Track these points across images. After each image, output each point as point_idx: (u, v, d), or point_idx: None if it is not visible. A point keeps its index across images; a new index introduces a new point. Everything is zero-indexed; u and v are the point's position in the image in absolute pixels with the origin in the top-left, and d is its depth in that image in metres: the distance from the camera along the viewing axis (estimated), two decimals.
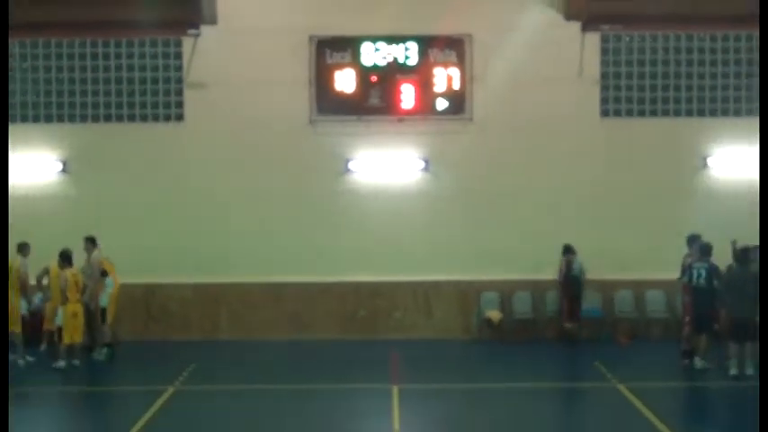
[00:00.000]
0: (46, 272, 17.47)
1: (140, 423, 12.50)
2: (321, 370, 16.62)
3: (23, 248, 17.06)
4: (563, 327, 18.80)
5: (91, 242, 17.35)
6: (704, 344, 15.84)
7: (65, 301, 16.71)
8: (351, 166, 19.52)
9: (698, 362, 15.80)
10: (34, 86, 19.42)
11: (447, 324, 19.52)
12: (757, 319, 14.76)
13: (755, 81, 19.00)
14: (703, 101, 19.27)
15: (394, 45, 18.98)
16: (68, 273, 16.80)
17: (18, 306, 16.81)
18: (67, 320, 16.68)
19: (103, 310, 17.54)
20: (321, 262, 19.31)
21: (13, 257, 16.67)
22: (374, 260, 19.30)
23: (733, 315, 15.49)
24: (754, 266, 15.65)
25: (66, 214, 18.92)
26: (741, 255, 15.88)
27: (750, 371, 15.23)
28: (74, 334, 16.55)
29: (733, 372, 15.11)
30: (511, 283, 19.32)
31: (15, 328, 16.39)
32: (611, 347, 17.98)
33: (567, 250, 18.66)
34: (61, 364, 16.33)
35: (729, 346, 15.60)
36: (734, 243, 16.38)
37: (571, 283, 18.70)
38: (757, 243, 15.35)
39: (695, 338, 15.96)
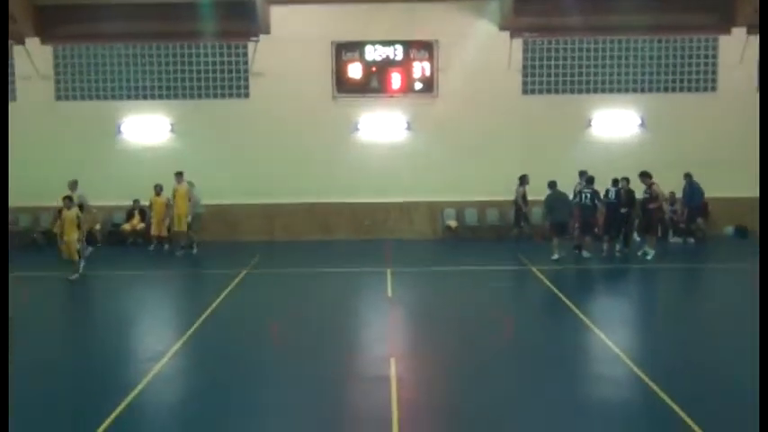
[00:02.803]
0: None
1: (227, 290, 14.78)
2: (341, 259, 18.84)
3: (179, 176, 19.25)
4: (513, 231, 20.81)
5: (179, 175, 19.39)
6: (587, 242, 18.41)
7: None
8: (359, 126, 21.88)
9: (584, 253, 18.30)
10: (156, 76, 21.74)
11: (422, 229, 22.09)
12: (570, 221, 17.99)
13: (623, 70, 21.65)
14: (589, 83, 21.74)
15: (387, 47, 21.36)
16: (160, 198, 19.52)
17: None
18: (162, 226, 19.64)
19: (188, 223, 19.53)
20: (340, 188, 21.52)
21: (175, 187, 19.17)
22: (375, 188, 21.63)
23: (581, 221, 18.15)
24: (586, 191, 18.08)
25: (174, 159, 21.08)
26: (588, 180, 18.40)
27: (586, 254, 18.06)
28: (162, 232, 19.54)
29: (559, 256, 17.68)
30: (463, 203, 21.86)
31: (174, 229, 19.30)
32: (527, 244, 19.97)
33: (522, 180, 20.24)
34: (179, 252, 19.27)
35: (584, 240, 18.29)
36: (582, 174, 18.80)
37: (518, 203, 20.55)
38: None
39: (582, 238, 18.43)
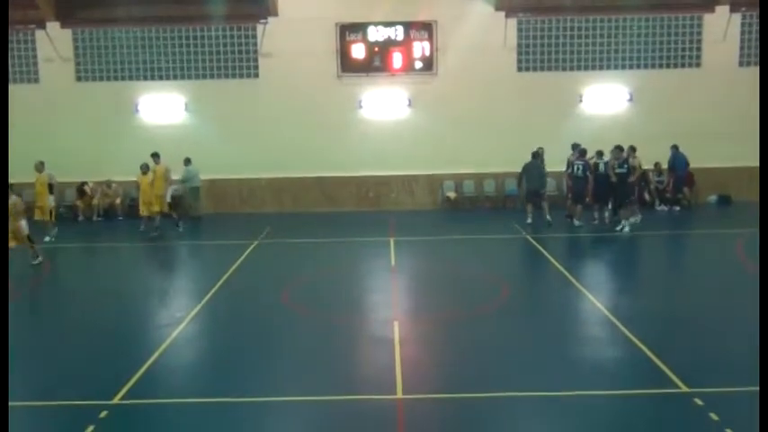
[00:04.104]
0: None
1: (240, 259, 15.05)
2: (346, 229, 19.01)
3: (156, 157, 18.48)
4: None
5: (156, 156, 18.52)
6: (579, 211, 18.39)
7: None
8: (362, 104, 21.87)
9: (576, 222, 18.35)
10: (171, 57, 21.75)
11: (422, 200, 22.17)
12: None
13: (612, 47, 21.62)
14: (580, 60, 21.69)
15: (388, 28, 21.31)
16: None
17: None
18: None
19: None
20: (345, 162, 21.67)
21: (153, 168, 18.29)
22: (378, 161, 21.74)
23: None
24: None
25: (187, 136, 21.58)
26: (580, 153, 18.23)
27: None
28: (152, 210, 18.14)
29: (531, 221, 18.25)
30: (462, 174, 21.98)
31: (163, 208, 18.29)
32: (521, 214, 19.35)
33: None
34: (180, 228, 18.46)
35: (575, 210, 18.28)
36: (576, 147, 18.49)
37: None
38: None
39: (573, 207, 18.50)
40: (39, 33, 21.63)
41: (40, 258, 14.89)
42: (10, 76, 21.55)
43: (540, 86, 21.58)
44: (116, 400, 7.82)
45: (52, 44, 21.52)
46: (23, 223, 14.58)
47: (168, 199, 18.79)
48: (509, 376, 8.45)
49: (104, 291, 13.47)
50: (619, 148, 17.90)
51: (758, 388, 5.85)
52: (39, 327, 11.11)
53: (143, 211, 18.48)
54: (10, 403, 7.64)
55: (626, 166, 17.80)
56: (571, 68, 21.81)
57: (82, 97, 21.81)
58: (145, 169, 18.21)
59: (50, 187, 17.24)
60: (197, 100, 21.96)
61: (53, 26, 21.46)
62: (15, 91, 21.42)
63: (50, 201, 17.35)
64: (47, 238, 17.19)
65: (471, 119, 21.58)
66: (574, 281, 12.80)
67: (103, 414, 7.47)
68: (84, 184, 21.30)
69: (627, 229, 17.47)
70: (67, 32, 21.74)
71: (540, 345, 9.60)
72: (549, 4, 21.26)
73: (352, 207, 22.04)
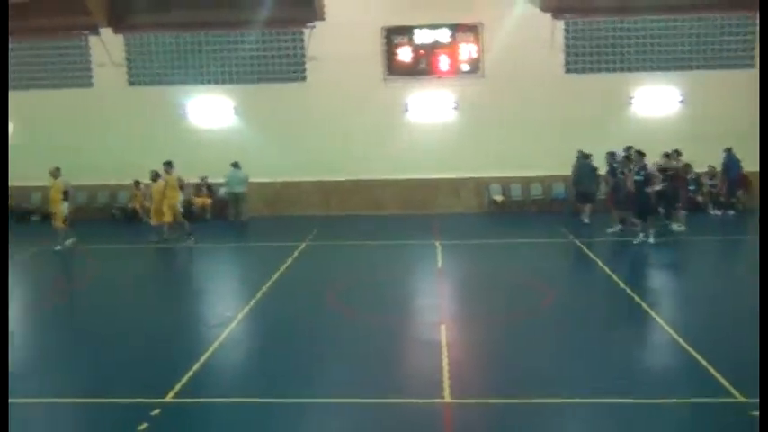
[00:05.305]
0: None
1: (290, 260, 15.41)
2: (392, 232, 19.09)
3: (168, 166, 17.65)
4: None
5: (168, 165, 17.71)
6: (615, 215, 17.75)
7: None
8: (408, 107, 21.79)
9: (635, 229, 16.77)
10: (219, 62, 21.97)
11: (469, 203, 22.01)
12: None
13: (663, 48, 21.17)
14: (630, 61, 21.24)
15: (434, 30, 21.21)
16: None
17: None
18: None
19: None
20: (391, 166, 21.61)
21: (164, 177, 17.66)
22: (424, 165, 21.60)
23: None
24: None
25: (235, 140, 21.89)
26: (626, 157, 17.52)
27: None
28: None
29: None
30: (508, 178, 21.83)
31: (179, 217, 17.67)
32: (570, 218, 19.53)
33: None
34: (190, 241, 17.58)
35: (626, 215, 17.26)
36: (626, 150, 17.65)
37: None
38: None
39: (622, 213, 17.60)
40: (92, 39, 22.14)
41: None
42: (65, 80, 22.27)
43: (589, 88, 21.20)
44: (168, 399, 8.01)
45: (105, 49, 21.97)
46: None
47: (181, 208, 18.24)
48: (559, 382, 8.37)
49: (155, 291, 13.84)
50: (639, 154, 16.73)
51: None
52: (91, 325, 11.39)
53: (154, 219, 18.07)
54: (67, 399, 7.93)
55: (643, 173, 16.37)
56: (621, 70, 21.42)
57: (133, 101, 22.21)
58: (155, 177, 17.91)
59: (65, 194, 17.24)
60: (245, 104, 22.20)
61: (106, 32, 21.89)
62: (70, 95, 22.15)
63: (64, 208, 17.28)
64: (57, 247, 17.14)
65: (518, 121, 21.40)
66: (623, 286, 12.66)
67: (156, 412, 7.65)
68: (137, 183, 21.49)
69: (651, 240, 16.35)
70: (119, 38, 22.18)
71: (589, 350, 9.49)
72: (596, 5, 20.92)
73: (398, 210, 22.01)
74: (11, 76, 21.75)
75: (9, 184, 20.76)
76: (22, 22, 21.13)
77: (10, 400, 7.73)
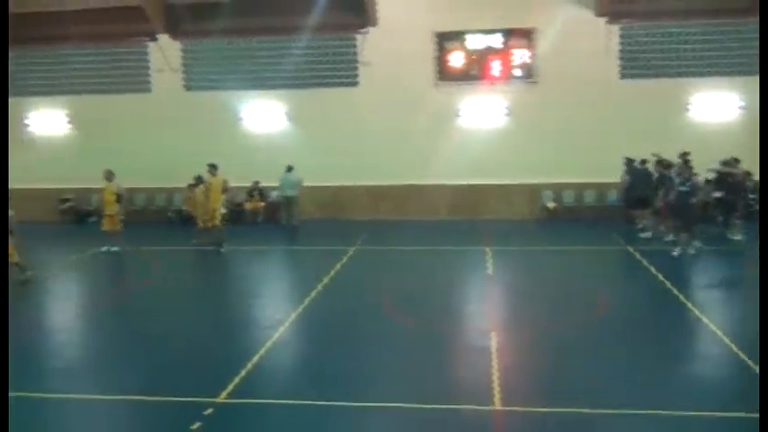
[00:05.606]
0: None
1: (340, 263, 15.56)
2: (443, 237, 19.02)
3: (213, 168, 17.42)
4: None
5: (213, 167, 17.45)
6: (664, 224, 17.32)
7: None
8: (460, 112, 21.73)
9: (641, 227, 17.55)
10: (273, 67, 22.07)
11: (520, 210, 21.77)
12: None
13: (722, 53, 20.69)
14: (686, 67, 20.79)
15: (487, 35, 21.14)
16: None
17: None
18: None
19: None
20: (442, 171, 21.43)
21: (209, 180, 17.49)
22: (475, 170, 21.40)
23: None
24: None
25: (288, 144, 22.08)
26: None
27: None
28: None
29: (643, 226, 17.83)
30: (561, 184, 21.60)
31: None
32: (623, 225, 19.20)
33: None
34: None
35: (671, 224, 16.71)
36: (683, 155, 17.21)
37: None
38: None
39: (662, 222, 17.48)
40: (151, 45, 22.71)
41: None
42: (125, 86, 22.86)
43: (645, 94, 20.88)
44: (221, 399, 8.14)
45: (163, 55, 22.47)
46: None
47: (223, 210, 18.20)
48: (612, 392, 8.24)
49: (207, 292, 14.07)
50: (686, 163, 16.36)
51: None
52: (146, 326, 11.66)
53: (199, 222, 18.06)
54: (122, 396, 8.14)
55: (688, 184, 15.76)
56: (678, 75, 20.99)
57: (190, 106, 22.58)
58: (198, 181, 17.78)
59: (119, 197, 17.38)
60: (297, 108, 22.42)
61: (163, 38, 22.43)
62: (129, 100, 22.75)
63: (117, 210, 17.45)
64: (104, 248, 17.47)
65: (571, 127, 21.17)
66: (678, 294, 12.43)
67: (209, 411, 7.79)
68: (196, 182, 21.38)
69: (692, 251, 15.75)
70: (176, 44, 22.68)
71: (643, 360, 9.32)
72: (651, 9, 20.65)
73: (448, 215, 21.95)
74: (72, 81, 22.80)
75: (71, 186, 22.02)
76: (85, 29, 21.90)
77: (69, 396, 8.08)
